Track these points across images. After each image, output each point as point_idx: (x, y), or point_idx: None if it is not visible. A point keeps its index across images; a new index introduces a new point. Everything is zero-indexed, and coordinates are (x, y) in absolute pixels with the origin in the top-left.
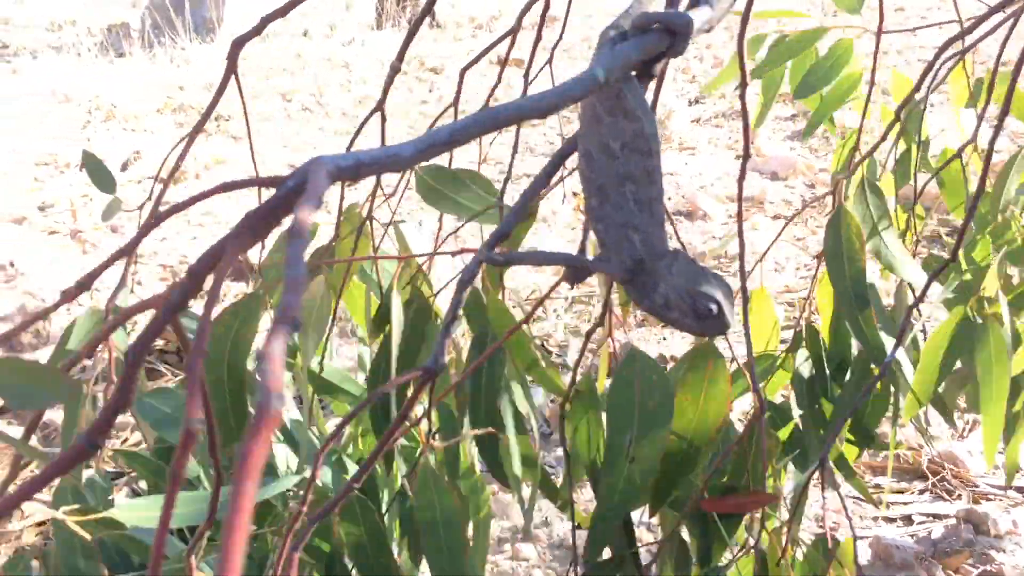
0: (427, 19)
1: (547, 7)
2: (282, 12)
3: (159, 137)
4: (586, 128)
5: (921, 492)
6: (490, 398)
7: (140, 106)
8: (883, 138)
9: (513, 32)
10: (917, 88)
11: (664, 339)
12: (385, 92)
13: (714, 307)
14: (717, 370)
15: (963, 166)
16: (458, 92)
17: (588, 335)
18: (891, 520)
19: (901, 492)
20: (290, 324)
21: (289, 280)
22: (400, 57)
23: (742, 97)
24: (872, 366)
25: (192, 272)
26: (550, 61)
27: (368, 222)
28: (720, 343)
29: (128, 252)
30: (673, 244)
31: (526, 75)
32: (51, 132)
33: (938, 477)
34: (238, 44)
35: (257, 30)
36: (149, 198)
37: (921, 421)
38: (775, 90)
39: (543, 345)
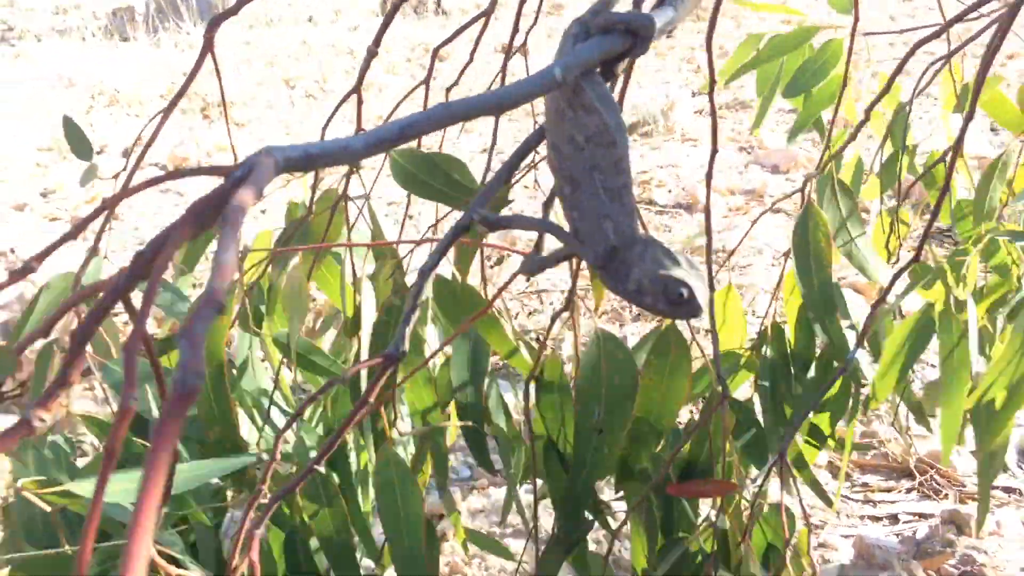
0: (433, 4)
1: None
2: None
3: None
4: (551, 122)
5: (908, 491)
6: (476, 387)
7: (144, 91)
8: (852, 138)
9: (487, 14)
10: (887, 89)
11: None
12: (361, 77)
13: (684, 292)
14: (680, 355)
15: (946, 170)
16: (429, 72)
17: (553, 319)
18: (878, 519)
19: (889, 491)
20: (215, 307)
21: (218, 265)
22: (377, 42)
23: (711, 96)
24: (835, 364)
25: (139, 257)
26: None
27: (344, 201)
28: (698, 338)
29: (80, 229)
30: (673, 236)
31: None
32: (54, 117)
33: (926, 476)
34: (214, 24)
35: (234, 10)
36: (123, 169)
37: (900, 420)
38: (772, 86)
39: (539, 339)
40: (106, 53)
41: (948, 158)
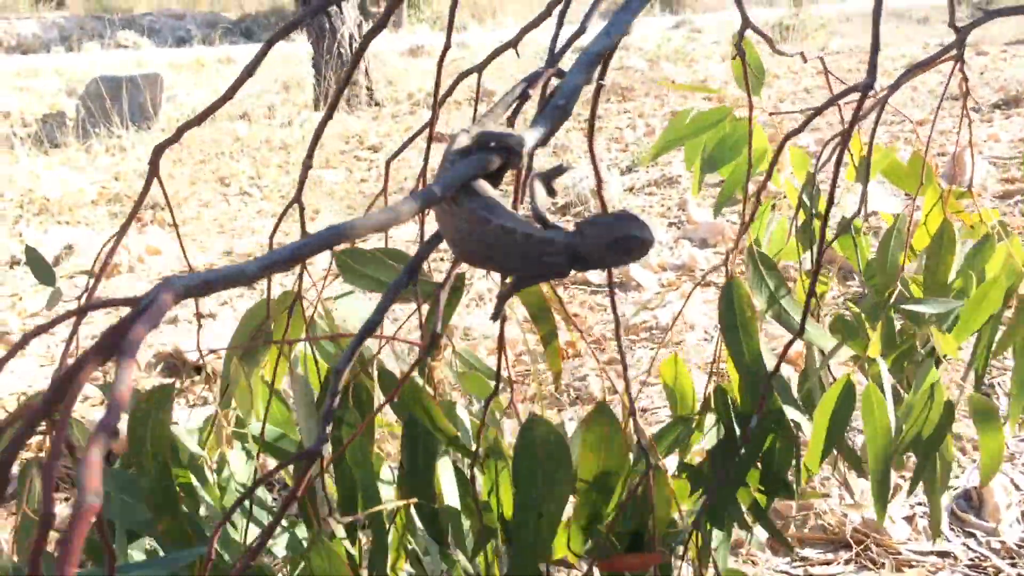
0: (366, 97)
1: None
2: (198, 121)
3: (94, 229)
4: (440, 222)
5: (847, 562)
6: (426, 472)
7: (74, 198)
8: (753, 214)
9: (431, 124)
10: (774, 162)
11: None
12: (300, 187)
13: (637, 238)
14: (613, 430)
15: (852, 236)
16: (385, 182)
17: (487, 403)
18: None
19: (828, 563)
20: (108, 433)
21: (113, 396)
22: (310, 154)
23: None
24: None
25: (55, 384)
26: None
27: (298, 301)
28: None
29: (11, 355)
30: (607, 315)
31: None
32: None
33: (862, 546)
34: (157, 151)
35: (175, 137)
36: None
37: (841, 472)
38: (698, 160)
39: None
40: (36, 161)
41: (865, 226)
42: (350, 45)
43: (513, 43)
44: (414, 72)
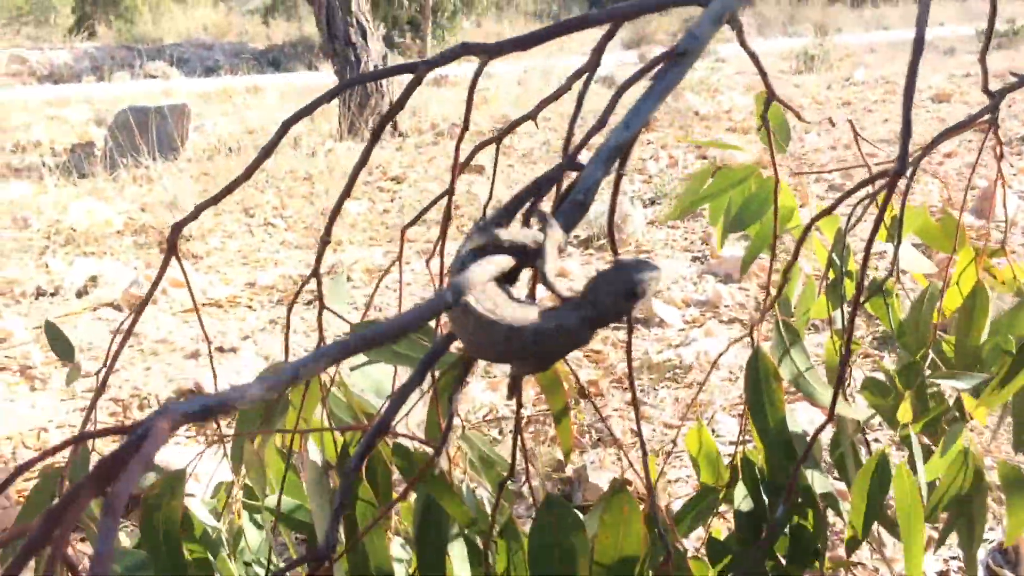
0: (390, 127)
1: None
2: (214, 201)
3: (119, 259)
4: (451, 321)
5: None
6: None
7: (101, 228)
8: (784, 279)
9: (449, 192)
10: (798, 246)
11: (619, 459)
12: (318, 263)
13: (645, 281)
14: (631, 512)
15: (884, 297)
16: (400, 250)
17: (502, 486)
18: None
19: None
20: None
21: (97, 555)
22: (327, 231)
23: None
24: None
25: (50, 514)
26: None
27: (315, 382)
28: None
29: (17, 474)
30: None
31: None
32: (8, 260)
33: None
34: (176, 230)
35: (193, 216)
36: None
37: (875, 537)
38: (724, 215)
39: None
40: (64, 191)
41: (898, 285)
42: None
43: (532, 115)
44: (437, 101)
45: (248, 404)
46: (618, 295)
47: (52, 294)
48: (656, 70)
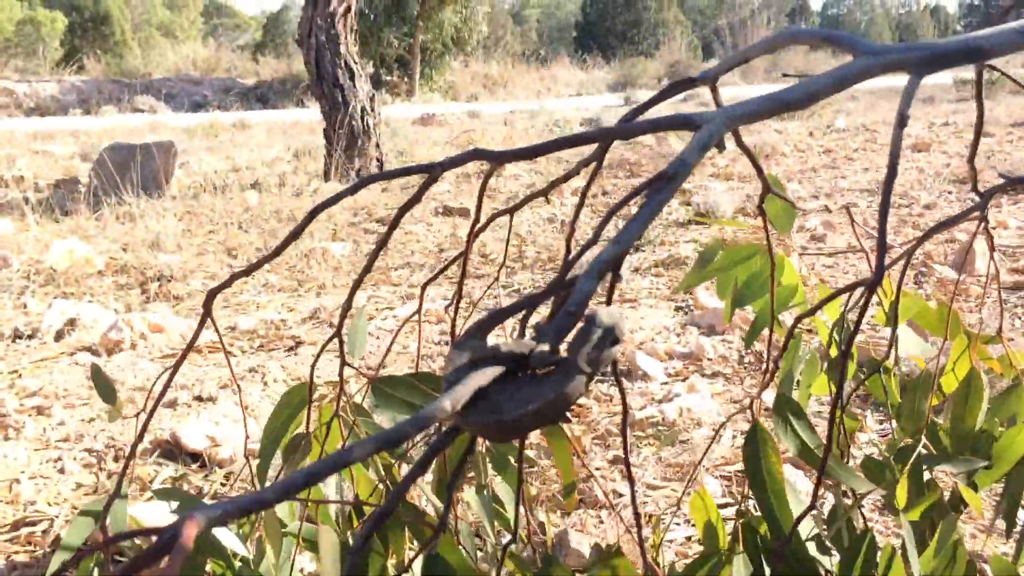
0: (376, 168)
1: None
2: (246, 272)
3: (99, 301)
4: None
5: None
6: None
7: (81, 268)
8: (780, 355)
9: (463, 261)
10: (790, 333)
11: (601, 522)
12: (340, 323)
13: (620, 329)
14: (625, 573)
15: (881, 380)
16: (419, 307)
17: (505, 548)
18: None
19: None
20: None
21: None
22: (347, 306)
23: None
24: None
25: None
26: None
27: (336, 418)
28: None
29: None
30: (612, 407)
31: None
32: None
33: None
34: (211, 297)
35: (227, 283)
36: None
37: None
38: (731, 289)
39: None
40: (45, 228)
41: (893, 370)
42: (362, 118)
43: (544, 192)
44: (425, 141)
45: (262, 508)
46: (603, 346)
47: (29, 336)
48: (646, 192)
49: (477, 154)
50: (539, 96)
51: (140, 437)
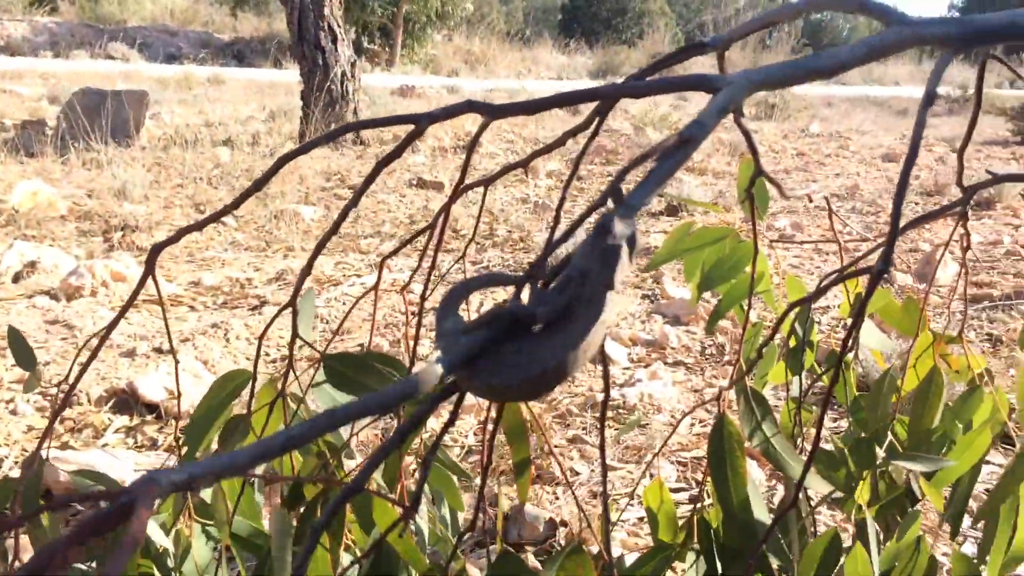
0: (352, 135)
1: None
2: (199, 226)
3: (60, 246)
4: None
5: None
6: None
7: (44, 211)
8: (741, 346)
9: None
10: (775, 329)
11: (557, 498)
12: (296, 293)
13: (614, 237)
14: (584, 571)
15: (842, 372)
16: (378, 281)
17: (460, 536)
18: None
19: None
20: None
21: None
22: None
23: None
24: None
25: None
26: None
27: (282, 398)
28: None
29: None
30: (574, 387)
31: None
32: None
33: None
34: (156, 250)
35: (176, 239)
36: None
37: None
38: (698, 271)
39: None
40: (9, 168)
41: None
42: (341, 83)
43: (524, 163)
44: (403, 112)
45: (234, 474)
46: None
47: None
48: (660, 153)
49: (471, 106)
50: (519, 76)
51: (72, 388)
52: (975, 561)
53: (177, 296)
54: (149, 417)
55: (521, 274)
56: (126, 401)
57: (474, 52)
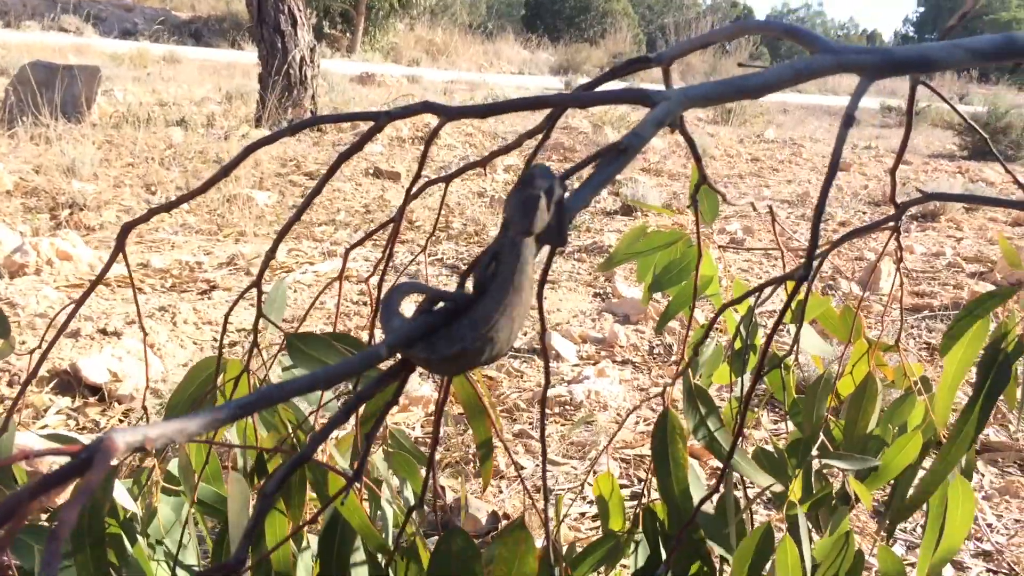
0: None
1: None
2: (167, 208)
3: (5, 221)
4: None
5: None
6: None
7: None
8: (684, 342)
9: (396, 222)
10: (710, 326)
11: (500, 492)
12: (260, 275)
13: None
14: (526, 546)
15: (780, 372)
16: (341, 272)
17: (410, 511)
18: None
19: None
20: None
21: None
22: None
23: None
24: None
25: None
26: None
27: (247, 373)
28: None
29: None
30: (523, 382)
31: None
32: None
33: None
34: (127, 229)
35: (146, 218)
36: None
37: None
38: (650, 274)
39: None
40: None
41: (795, 366)
42: (300, 67)
43: (483, 162)
44: (362, 101)
45: (186, 438)
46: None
47: None
48: (598, 162)
49: (428, 107)
50: (481, 69)
51: (35, 372)
52: (903, 561)
53: (125, 277)
54: (92, 399)
55: (453, 291)
56: (68, 383)
57: (436, 43)
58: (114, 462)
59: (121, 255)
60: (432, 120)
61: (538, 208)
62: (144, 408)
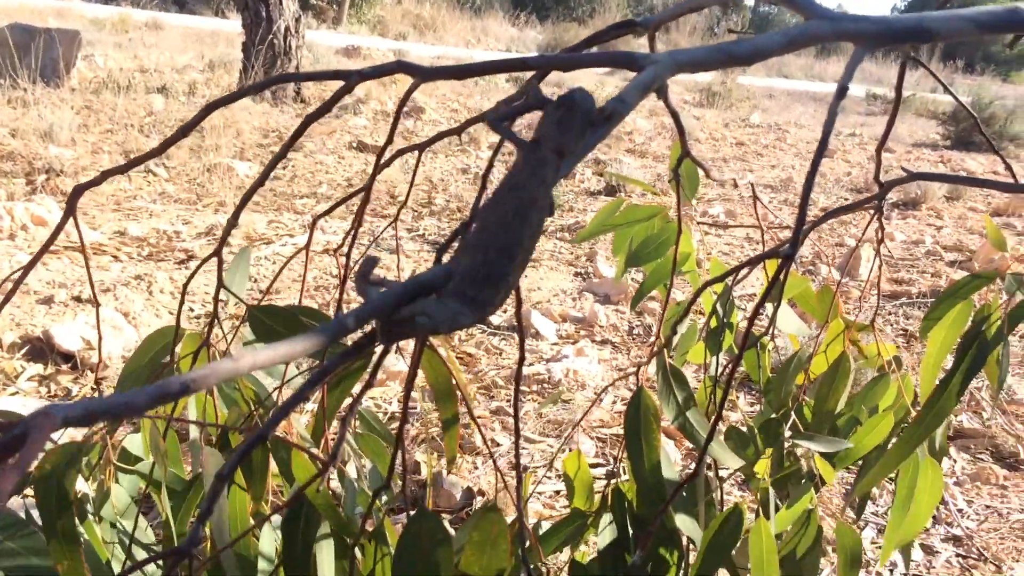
0: (293, 92)
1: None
2: (121, 170)
3: None
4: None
5: None
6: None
7: None
8: (673, 330)
9: (366, 189)
10: (690, 304)
11: (476, 468)
12: (222, 241)
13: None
14: (499, 529)
15: (756, 351)
16: (308, 242)
17: (376, 493)
18: None
19: None
20: None
21: None
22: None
23: None
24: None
25: None
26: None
27: (207, 347)
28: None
29: None
30: (502, 359)
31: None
32: None
33: None
34: (78, 192)
35: (99, 180)
36: None
37: None
38: (626, 247)
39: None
40: None
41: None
42: (285, 38)
43: (458, 130)
44: None
45: (133, 413)
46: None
47: None
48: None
49: (401, 66)
50: (468, 45)
51: None
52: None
53: (101, 245)
54: (64, 367)
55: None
56: (41, 349)
57: (424, 17)
58: (63, 439)
59: (72, 219)
60: (418, 97)
61: (575, 127)
62: (97, 382)
